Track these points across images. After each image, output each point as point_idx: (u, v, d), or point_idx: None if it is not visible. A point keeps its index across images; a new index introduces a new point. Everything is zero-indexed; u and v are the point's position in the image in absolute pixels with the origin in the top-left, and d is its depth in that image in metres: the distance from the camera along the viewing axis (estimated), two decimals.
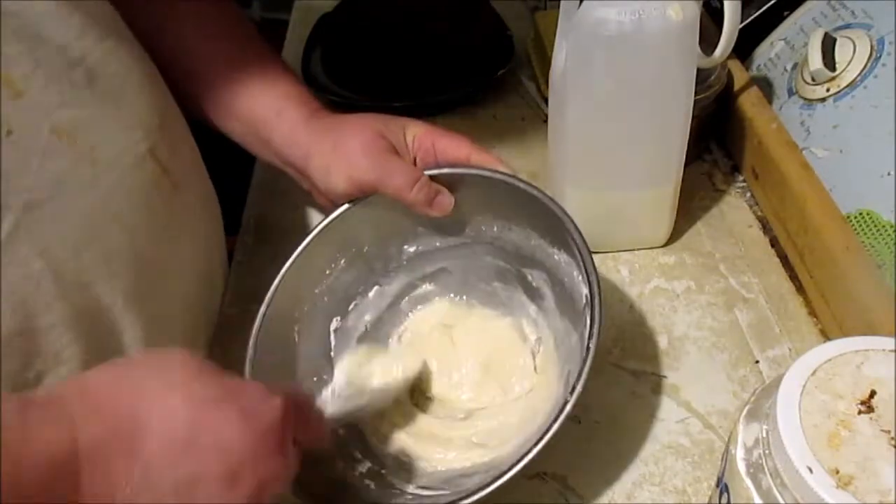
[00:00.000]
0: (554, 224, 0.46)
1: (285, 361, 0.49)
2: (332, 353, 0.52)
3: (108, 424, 0.31)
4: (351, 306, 0.53)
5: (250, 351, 0.47)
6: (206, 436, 0.32)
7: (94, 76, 0.40)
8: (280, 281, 0.49)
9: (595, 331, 0.42)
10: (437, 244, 0.53)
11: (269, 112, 0.52)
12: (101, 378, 0.33)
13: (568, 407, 0.40)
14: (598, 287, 0.43)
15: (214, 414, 0.32)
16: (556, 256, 0.49)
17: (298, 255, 0.50)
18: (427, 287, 0.55)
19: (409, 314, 0.55)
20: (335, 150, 0.49)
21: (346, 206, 0.50)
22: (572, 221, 0.45)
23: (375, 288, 0.54)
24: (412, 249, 0.54)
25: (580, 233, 0.45)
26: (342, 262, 0.52)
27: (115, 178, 0.41)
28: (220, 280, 0.57)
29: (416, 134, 0.50)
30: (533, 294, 0.52)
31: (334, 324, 0.52)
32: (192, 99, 0.52)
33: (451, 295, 0.55)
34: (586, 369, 0.40)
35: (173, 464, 0.31)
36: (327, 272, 0.51)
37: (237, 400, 0.33)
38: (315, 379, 0.50)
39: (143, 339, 0.43)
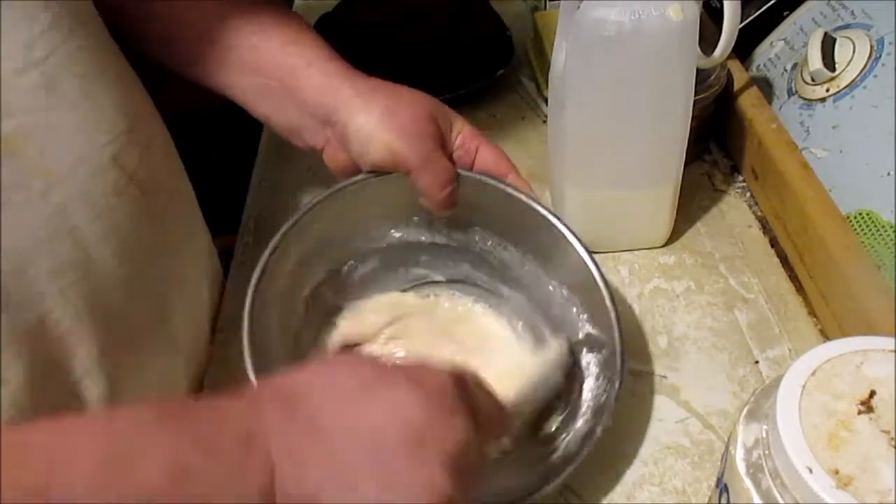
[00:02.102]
0: (568, 262, 0.47)
1: (273, 326, 0.48)
2: (299, 324, 0.51)
3: (287, 410, 0.31)
4: (323, 276, 0.52)
5: (247, 314, 0.45)
6: (383, 408, 0.32)
7: (54, 79, 0.37)
8: (278, 242, 0.47)
9: (621, 381, 0.44)
10: (423, 238, 0.53)
11: (299, 60, 0.49)
12: (278, 377, 0.34)
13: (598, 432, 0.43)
14: (622, 338, 0.45)
15: (386, 386, 0.32)
16: (550, 288, 0.50)
17: (299, 218, 0.48)
18: (393, 276, 0.54)
19: (369, 299, 0.54)
20: (385, 118, 0.47)
21: (366, 175, 0.49)
22: (598, 268, 0.46)
23: (349, 263, 0.53)
24: (397, 235, 0.53)
25: (609, 286, 0.46)
26: (332, 229, 0.51)
27: (71, 188, 0.38)
28: (206, 288, 0.54)
29: (462, 131, 0.50)
30: (503, 310, 0.53)
31: (306, 291, 0.51)
32: (194, 58, 0.50)
33: (414, 290, 0.55)
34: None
35: (356, 439, 0.31)
36: (317, 237, 0.50)
37: (405, 373, 0.33)
38: (286, 349, 0.49)
39: (98, 355, 0.41)
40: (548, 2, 0.80)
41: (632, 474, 0.47)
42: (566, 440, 0.45)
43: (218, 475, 0.29)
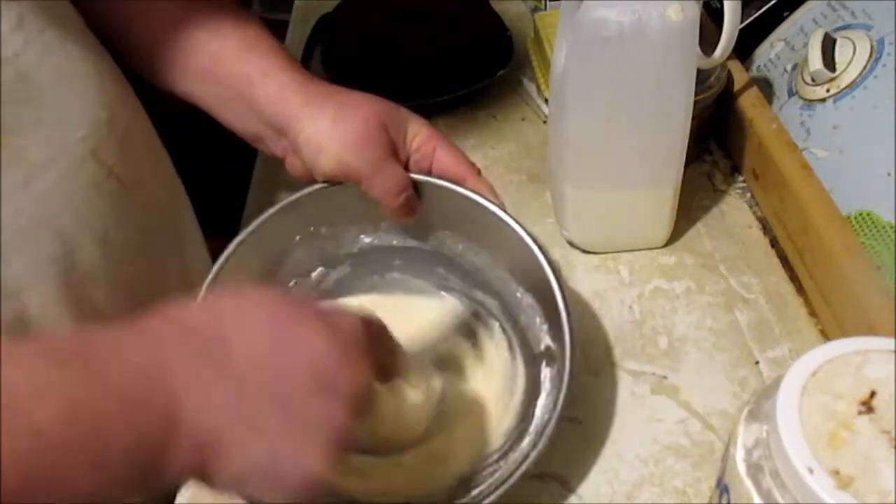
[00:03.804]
0: (532, 271, 0.46)
1: None
2: None
3: (196, 343, 0.31)
4: (291, 283, 0.52)
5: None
6: (295, 348, 0.32)
7: (28, 73, 0.38)
8: (233, 250, 0.47)
9: (562, 398, 0.42)
10: (394, 242, 0.53)
11: (254, 70, 0.49)
12: (185, 308, 0.33)
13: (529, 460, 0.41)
14: (574, 353, 0.43)
15: (300, 326, 0.33)
16: (518, 294, 0.50)
17: (258, 226, 0.48)
18: (369, 281, 0.54)
19: (343, 302, 0.54)
20: (332, 129, 0.47)
21: (321, 185, 0.49)
22: (559, 278, 0.45)
23: (319, 270, 0.53)
24: (367, 241, 0.53)
25: (566, 297, 0.44)
26: (297, 238, 0.51)
27: (50, 180, 0.39)
28: (196, 275, 0.54)
29: (418, 134, 0.49)
30: (481, 316, 0.53)
31: None
32: (155, 65, 0.50)
33: (387, 294, 0.54)
34: (553, 421, 0.42)
35: (267, 376, 0.31)
36: (281, 245, 0.50)
37: (318, 315, 0.34)
38: None
39: None
40: (548, 2, 0.80)
41: (632, 474, 0.47)
42: (509, 460, 0.44)
43: (112, 410, 0.28)
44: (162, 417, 0.29)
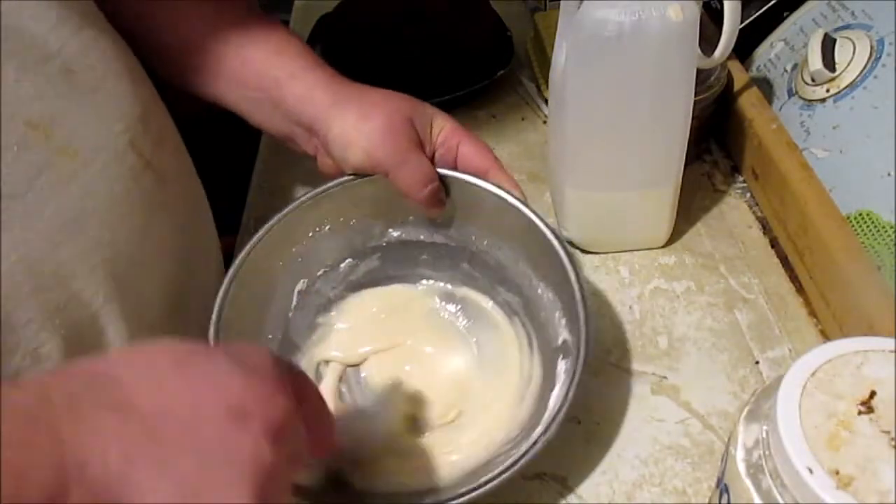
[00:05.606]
0: (553, 265, 0.46)
1: (251, 313, 0.49)
2: (290, 314, 0.52)
3: (83, 379, 0.29)
4: (320, 272, 0.53)
5: (221, 295, 0.46)
6: (198, 379, 0.30)
7: (70, 68, 0.40)
8: (264, 234, 0.49)
9: (574, 384, 0.43)
10: (422, 237, 0.53)
11: (282, 72, 0.51)
12: (74, 361, 0.31)
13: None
14: (589, 345, 0.44)
15: (201, 360, 0.31)
16: (539, 290, 0.50)
17: (287, 214, 0.49)
18: (395, 273, 0.55)
19: (366, 294, 0.54)
20: (359, 123, 0.48)
21: (350, 177, 0.50)
22: (577, 272, 0.45)
23: (348, 261, 0.53)
24: (396, 234, 0.53)
25: (584, 289, 0.45)
26: (326, 228, 0.52)
27: (94, 171, 0.40)
28: (214, 274, 0.55)
29: (443, 128, 0.50)
30: (507, 311, 0.53)
31: (300, 285, 0.52)
32: (185, 69, 0.51)
33: (416, 286, 0.55)
34: (560, 418, 0.42)
35: (173, 415, 0.29)
36: (310, 234, 0.51)
37: (220, 348, 0.33)
38: (269, 336, 0.50)
39: (127, 334, 0.42)
40: (548, 2, 0.80)
41: (632, 474, 0.47)
42: (520, 448, 0.43)
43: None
44: (51, 464, 0.26)
